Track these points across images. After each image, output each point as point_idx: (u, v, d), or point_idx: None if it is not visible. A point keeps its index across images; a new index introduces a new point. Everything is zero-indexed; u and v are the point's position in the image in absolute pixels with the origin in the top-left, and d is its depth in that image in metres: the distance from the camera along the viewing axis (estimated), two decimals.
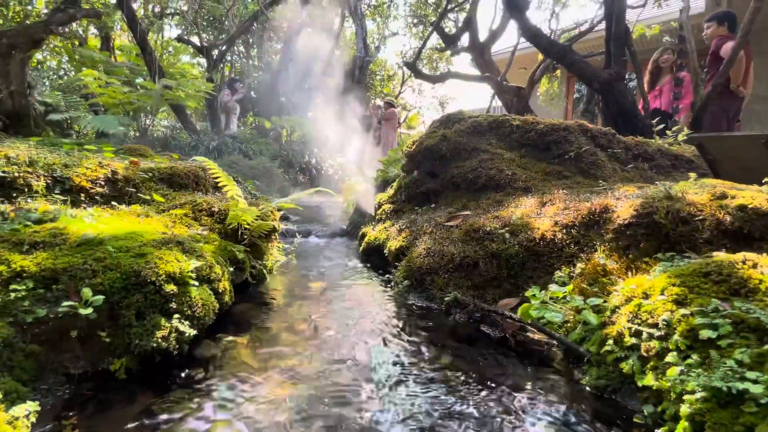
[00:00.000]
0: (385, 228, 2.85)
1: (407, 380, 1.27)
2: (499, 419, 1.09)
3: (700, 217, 1.47)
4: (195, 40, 10.28)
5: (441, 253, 2.09)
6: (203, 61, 11.08)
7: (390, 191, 3.43)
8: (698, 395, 0.92)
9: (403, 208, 3.07)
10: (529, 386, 1.25)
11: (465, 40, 8.14)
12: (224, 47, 9.96)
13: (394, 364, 1.38)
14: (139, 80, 7.68)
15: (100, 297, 1.21)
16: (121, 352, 1.23)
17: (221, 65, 10.67)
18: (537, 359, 1.43)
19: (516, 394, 1.20)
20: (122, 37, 11.63)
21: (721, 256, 1.26)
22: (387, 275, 2.47)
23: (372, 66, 13.17)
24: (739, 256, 1.20)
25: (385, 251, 2.61)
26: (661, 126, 3.85)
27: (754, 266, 1.15)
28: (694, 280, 1.17)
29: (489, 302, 1.81)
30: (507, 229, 2.03)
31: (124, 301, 1.26)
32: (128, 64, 8.33)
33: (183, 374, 1.28)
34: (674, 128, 3.59)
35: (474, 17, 7.81)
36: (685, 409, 0.92)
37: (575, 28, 7.93)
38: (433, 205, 2.91)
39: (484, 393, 1.21)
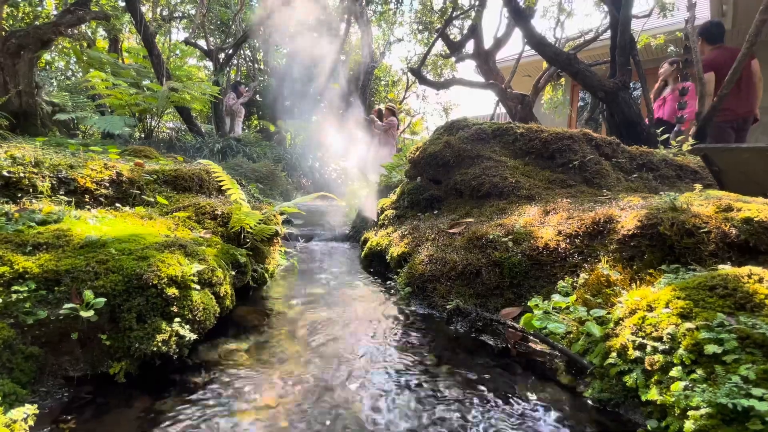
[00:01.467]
0: (388, 234, 2.85)
1: (407, 389, 1.26)
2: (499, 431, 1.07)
3: (706, 230, 1.46)
4: (202, 43, 10.38)
5: (443, 260, 2.08)
6: (210, 64, 11.16)
7: (393, 197, 3.43)
8: (703, 411, 0.90)
9: (406, 214, 3.07)
10: (530, 398, 1.24)
11: (470, 47, 8.17)
12: (231, 51, 10.03)
13: (394, 372, 1.37)
14: (146, 82, 7.74)
15: (102, 299, 1.21)
16: (121, 356, 1.23)
17: (227, 68, 10.74)
18: (539, 370, 1.42)
19: (517, 406, 1.19)
20: (130, 40, 11.74)
21: (726, 269, 1.24)
22: (388, 281, 2.46)
23: (377, 71, 13.24)
24: (745, 269, 1.19)
25: (387, 257, 2.61)
26: (666, 136, 3.84)
27: (760, 280, 1.13)
28: (699, 293, 1.16)
29: (491, 311, 1.80)
30: (510, 237, 2.02)
31: (125, 304, 1.26)
32: (135, 66, 8.41)
33: (182, 379, 1.28)
34: (678, 138, 3.58)
35: (479, 25, 7.84)
36: (689, 425, 0.91)
37: (580, 36, 7.95)
38: (436, 212, 2.90)
39: (484, 404, 1.19)
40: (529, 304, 1.62)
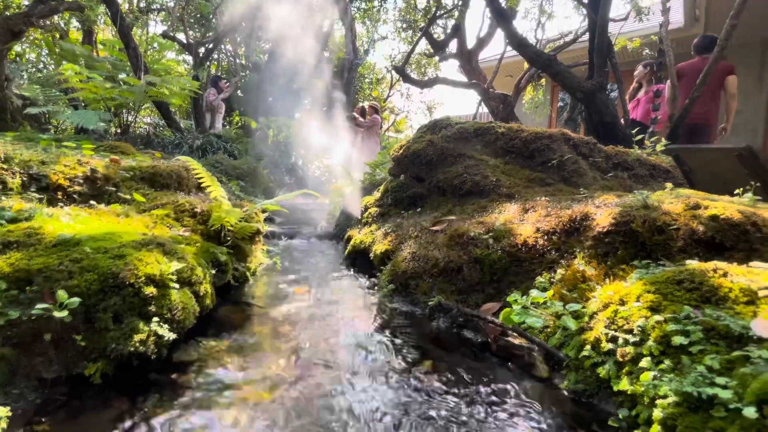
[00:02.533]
0: (371, 231, 2.85)
1: (389, 385, 1.28)
2: (478, 423, 1.10)
3: (675, 227, 1.52)
4: (181, 36, 10.13)
5: (426, 257, 2.10)
6: (189, 58, 10.91)
7: (377, 194, 3.43)
8: (670, 400, 0.95)
9: (390, 212, 3.08)
10: (509, 390, 1.27)
11: (453, 46, 8.23)
12: (211, 45, 9.83)
13: (377, 367, 1.38)
14: (122, 76, 7.50)
15: (76, 299, 1.18)
16: (96, 357, 1.20)
17: (208, 63, 10.52)
18: (518, 363, 1.45)
19: (496, 399, 1.22)
20: (105, 32, 11.36)
21: (693, 264, 1.30)
22: (372, 279, 2.47)
23: (361, 69, 13.18)
24: (711, 264, 1.25)
25: (370, 255, 2.61)
26: (641, 137, 3.97)
27: (725, 275, 1.19)
28: (668, 287, 1.21)
29: (472, 307, 1.83)
30: (490, 234, 2.05)
31: (101, 304, 1.23)
32: (111, 59, 8.14)
33: (161, 379, 1.26)
34: (652, 139, 3.70)
35: (462, 24, 7.91)
36: (657, 413, 0.95)
37: (560, 38, 8.10)
38: (419, 210, 2.92)
39: (464, 397, 1.22)
40: (508, 299, 1.65)
